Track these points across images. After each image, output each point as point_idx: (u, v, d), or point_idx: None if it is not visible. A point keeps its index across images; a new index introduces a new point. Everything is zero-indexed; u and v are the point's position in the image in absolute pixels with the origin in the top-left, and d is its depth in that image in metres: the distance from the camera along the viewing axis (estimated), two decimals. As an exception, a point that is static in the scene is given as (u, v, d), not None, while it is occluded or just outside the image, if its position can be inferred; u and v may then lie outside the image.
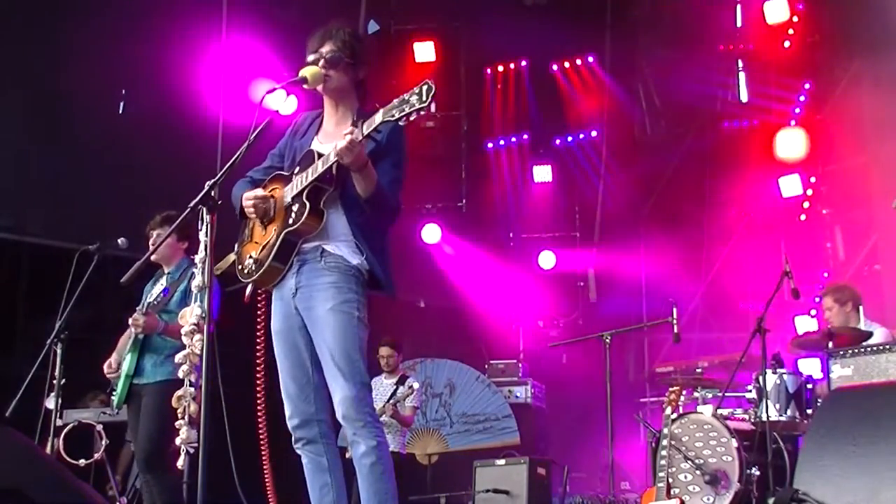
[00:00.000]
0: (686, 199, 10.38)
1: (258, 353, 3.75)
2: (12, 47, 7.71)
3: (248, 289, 3.78)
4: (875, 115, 8.75)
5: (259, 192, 3.70)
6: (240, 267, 3.78)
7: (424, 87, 3.20)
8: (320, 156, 3.56)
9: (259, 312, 3.79)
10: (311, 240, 3.62)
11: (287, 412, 3.69)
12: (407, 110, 3.23)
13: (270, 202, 3.69)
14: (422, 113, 3.21)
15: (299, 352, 3.66)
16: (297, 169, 3.67)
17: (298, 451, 3.71)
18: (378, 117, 3.34)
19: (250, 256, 3.72)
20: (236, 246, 3.84)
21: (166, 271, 5.41)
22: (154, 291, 5.33)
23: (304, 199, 3.56)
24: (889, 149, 8.49)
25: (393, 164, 3.63)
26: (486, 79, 11.48)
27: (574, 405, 9.47)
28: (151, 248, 4.99)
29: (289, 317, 3.68)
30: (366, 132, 3.39)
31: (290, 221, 3.58)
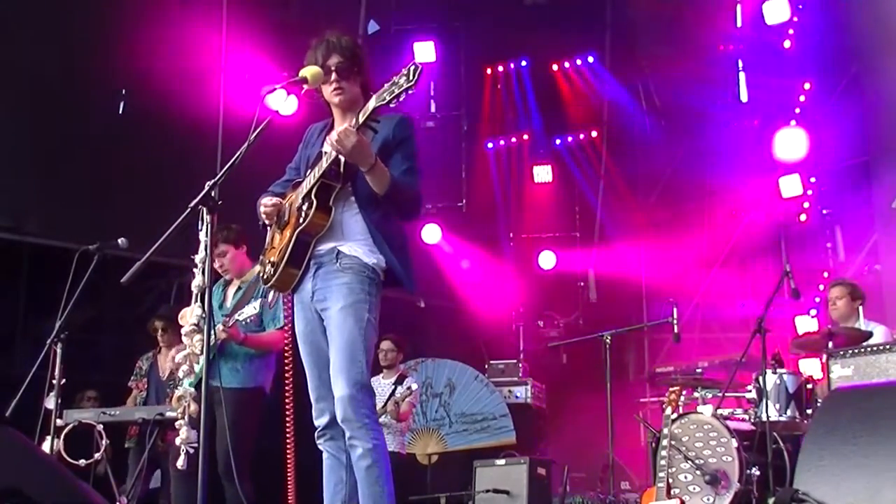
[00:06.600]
0: (686, 199, 10.39)
1: (286, 355, 3.77)
2: (12, 46, 7.71)
3: (271, 294, 3.80)
4: (875, 115, 8.74)
5: (274, 199, 3.76)
6: (263, 275, 3.83)
7: (412, 68, 3.30)
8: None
9: (286, 316, 3.82)
10: (326, 241, 3.64)
11: (315, 411, 3.72)
12: (396, 91, 3.30)
13: (284, 206, 3.74)
14: (410, 92, 3.30)
15: (323, 354, 3.67)
16: (308, 172, 3.71)
17: (321, 447, 3.74)
18: (371, 103, 3.40)
19: (270, 262, 3.77)
20: (261, 255, 3.89)
21: (238, 286, 5.40)
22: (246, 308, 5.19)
23: (312, 197, 3.59)
24: (889, 148, 8.48)
25: (404, 156, 3.69)
26: (486, 79, 11.48)
27: (574, 405, 9.46)
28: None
29: (310, 321, 3.71)
30: (361, 120, 3.43)
31: (300, 220, 3.61)
